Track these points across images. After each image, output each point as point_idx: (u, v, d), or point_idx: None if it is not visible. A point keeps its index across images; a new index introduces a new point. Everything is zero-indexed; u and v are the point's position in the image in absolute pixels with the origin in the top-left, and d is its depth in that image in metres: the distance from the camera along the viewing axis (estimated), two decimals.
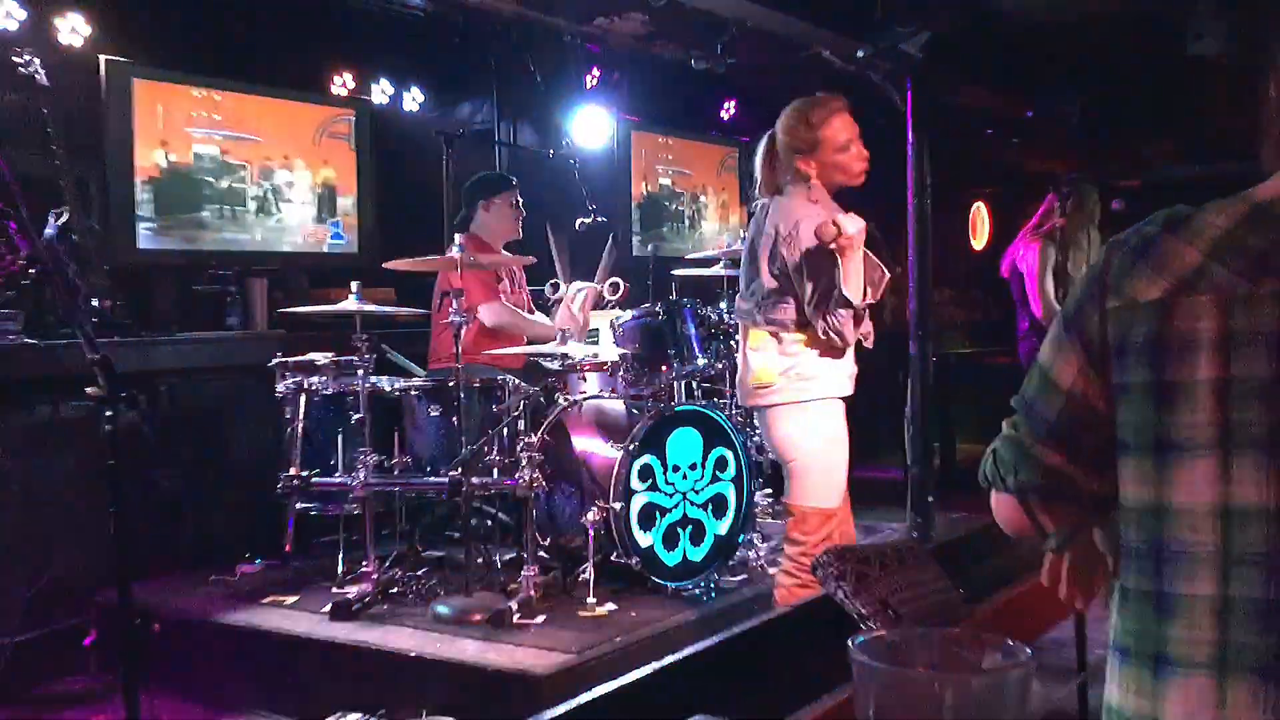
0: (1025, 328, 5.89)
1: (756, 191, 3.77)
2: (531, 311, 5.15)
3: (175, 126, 5.44)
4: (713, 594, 4.33)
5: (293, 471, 4.26)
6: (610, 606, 4.03)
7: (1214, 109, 6.52)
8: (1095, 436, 1.22)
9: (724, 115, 8.11)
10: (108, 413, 2.84)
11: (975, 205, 9.89)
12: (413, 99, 6.65)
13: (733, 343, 4.86)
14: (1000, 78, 6.50)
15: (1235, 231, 1.13)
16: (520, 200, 5.09)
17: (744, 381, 3.60)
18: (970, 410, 7.47)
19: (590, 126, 7.01)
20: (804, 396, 3.48)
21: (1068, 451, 1.26)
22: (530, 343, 4.94)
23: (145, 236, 5.34)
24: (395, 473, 4.27)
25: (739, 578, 4.52)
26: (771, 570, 4.57)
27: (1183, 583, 1.10)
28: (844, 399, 3.58)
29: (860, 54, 5.80)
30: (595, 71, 6.95)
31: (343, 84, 6.27)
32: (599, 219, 5.50)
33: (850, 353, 3.58)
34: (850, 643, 0.88)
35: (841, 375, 3.55)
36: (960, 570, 2.22)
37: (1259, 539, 1.06)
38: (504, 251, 5.00)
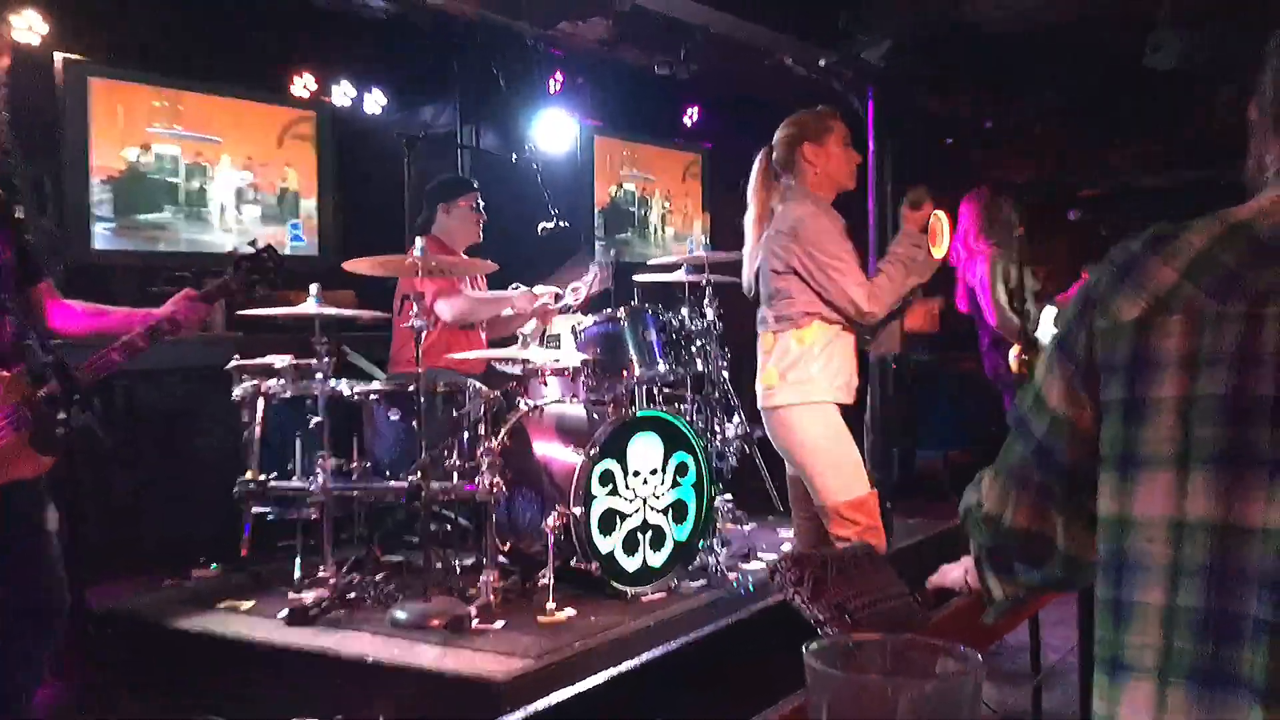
0: (987, 342, 5.93)
1: (750, 217, 3.83)
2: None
3: (135, 127, 5.39)
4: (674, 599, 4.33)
5: (250, 475, 4.22)
6: (570, 612, 4.02)
7: (1175, 119, 6.61)
8: (1077, 458, 1.25)
9: (688, 121, 8.14)
10: (61, 415, 2.80)
11: (936, 213, 9.96)
12: (375, 101, 6.62)
13: (701, 349, 4.88)
14: (961, 86, 6.57)
15: (1210, 251, 1.16)
16: (482, 204, 5.08)
17: (758, 385, 3.71)
18: (930, 416, 7.53)
19: (553, 131, 7.01)
20: (805, 398, 3.58)
21: (1044, 481, 1.31)
22: (493, 337, 4.92)
23: (102, 237, 5.28)
24: (354, 477, 4.25)
25: (699, 583, 4.52)
26: (731, 575, 4.59)
27: (1137, 591, 1.13)
28: (843, 407, 3.67)
29: (823, 62, 5.84)
30: (559, 76, 6.95)
31: (304, 85, 6.23)
32: (562, 224, 5.49)
33: (851, 362, 3.65)
34: (804, 649, 0.88)
35: (841, 381, 3.64)
36: (917, 576, 2.23)
37: (1203, 551, 1.09)
38: (464, 255, 4.99)
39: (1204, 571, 1.09)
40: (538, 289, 4.96)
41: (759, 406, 3.76)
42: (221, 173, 5.77)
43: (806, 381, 3.59)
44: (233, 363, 4.38)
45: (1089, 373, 1.22)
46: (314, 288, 4.26)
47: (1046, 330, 5.28)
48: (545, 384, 4.78)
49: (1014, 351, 6.08)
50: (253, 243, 3.63)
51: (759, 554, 4.95)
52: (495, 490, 4.01)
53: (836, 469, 3.60)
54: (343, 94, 6.44)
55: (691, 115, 8.11)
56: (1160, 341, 1.14)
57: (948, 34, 5.77)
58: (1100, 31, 5.95)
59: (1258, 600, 1.06)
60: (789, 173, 3.74)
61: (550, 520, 4.07)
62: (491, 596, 3.98)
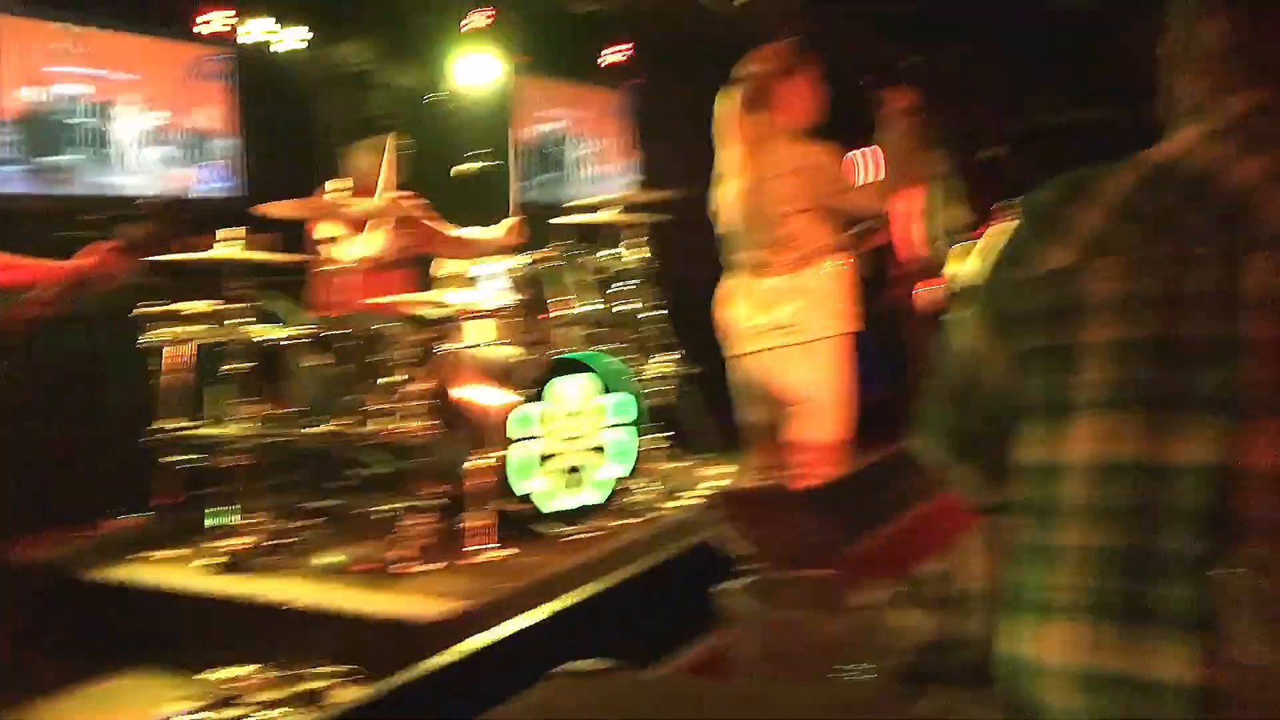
0: (894, 272, 5.98)
1: (730, 158, 3.80)
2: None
3: (37, 66, 5.18)
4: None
5: (163, 424, 4.13)
6: (497, 553, 4.01)
7: (1087, 58, 6.69)
8: (985, 404, 1.27)
9: (614, 60, 8.03)
10: None
11: (849, 155, 9.98)
12: (290, 38, 6.43)
13: (633, 288, 4.85)
14: (880, 26, 6.56)
15: (1136, 194, 1.16)
16: (398, 145, 4.95)
17: (745, 328, 3.72)
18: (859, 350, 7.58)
19: (473, 69, 6.87)
20: (838, 330, 3.70)
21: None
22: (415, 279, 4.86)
23: (7, 179, 5.09)
24: (274, 423, 4.18)
25: (624, 522, 4.53)
26: (657, 514, 4.61)
27: (1066, 534, 1.14)
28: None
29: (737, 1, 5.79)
30: (480, 12, 6.81)
31: (216, 22, 6.02)
32: (481, 166, 5.41)
33: (851, 291, 3.75)
34: (726, 586, 0.88)
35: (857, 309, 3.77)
36: (840, 508, 2.26)
37: (1130, 491, 1.10)
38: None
39: (1130, 511, 1.11)
40: (463, 231, 4.90)
41: (749, 350, 3.75)
42: (128, 113, 5.57)
43: (832, 313, 3.67)
44: (143, 308, 4.27)
45: (1004, 323, 1.23)
46: (220, 233, 4.15)
47: (954, 267, 5.33)
48: (471, 326, 4.73)
49: (920, 287, 6.14)
50: (158, 197, 3.55)
51: (686, 492, 4.98)
52: (420, 434, 3.98)
53: (848, 404, 3.66)
54: (256, 31, 6.24)
55: (618, 53, 8.01)
56: (1091, 285, 1.14)
57: None
58: None
59: (1184, 535, 1.07)
60: (764, 110, 3.70)
61: (477, 462, 4.05)
62: (418, 540, 3.96)
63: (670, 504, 4.80)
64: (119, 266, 3.31)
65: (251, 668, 3.35)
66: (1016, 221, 1.26)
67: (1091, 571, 1.11)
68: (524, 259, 4.61)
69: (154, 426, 4.14)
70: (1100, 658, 1.10)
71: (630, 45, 7.91)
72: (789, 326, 3.65)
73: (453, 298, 4.40)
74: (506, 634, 2.14)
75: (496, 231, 4.80)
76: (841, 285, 3.71)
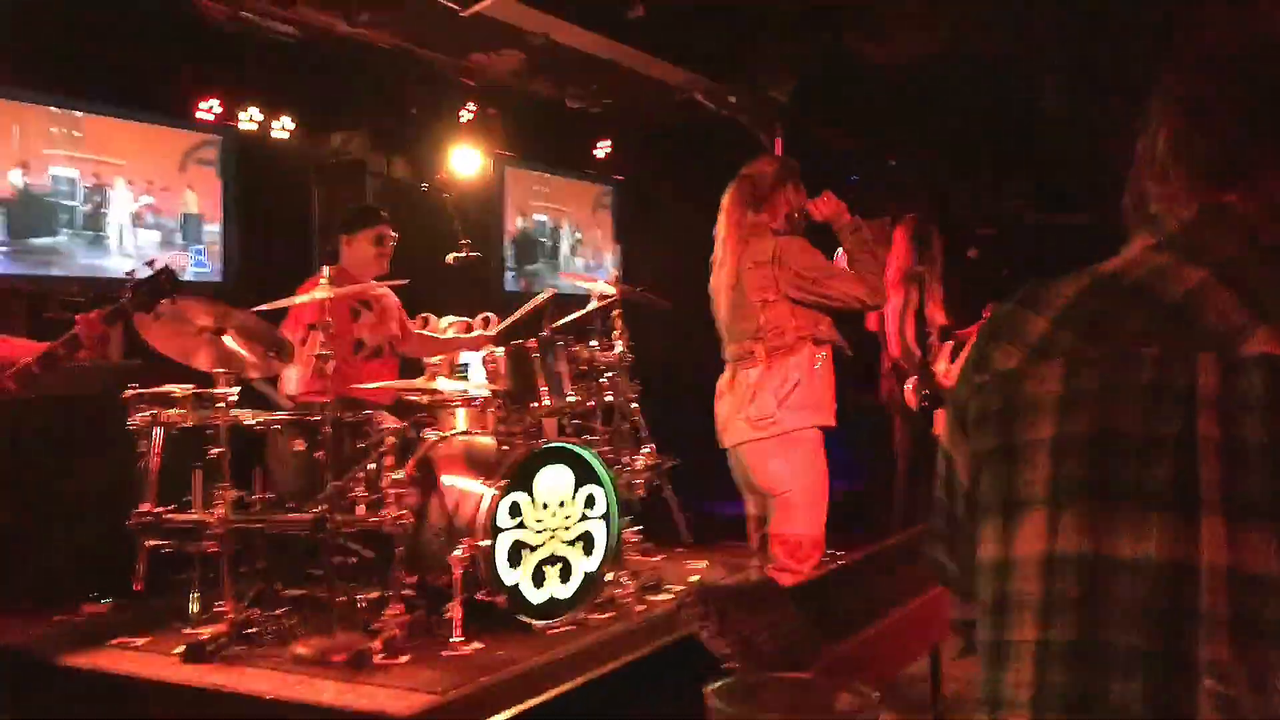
0: (887, 367, 6.04)
1: (722, 251, 3.84)
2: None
3: (31, 148, 5.24)
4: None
5: (146, 507, 4.11)
6: (476, 645, 3.99)
7: (1067, 161, 6.83)
8: (961, 507, 1.29)
9: (599, 154, 8.18)
10: None
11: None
12: (282, 127, 6.53)
13: (611, 380, 4.89)
14: (864, 125, 6.71)
15: (1079, 300, 1.20)
16: (388, 234, 4.99)
17: (732, 421, 3.73)
18: (832, 450, 7.60)
19: (465, 160, 6.99)
20: (807, 423, 3.68)
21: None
22: (398, 367, 4.88)
23: None
24: (256, 509, 4.16)
25: (607, 615, 4.51)
26: (639, 608, 4.60)
27: (1014, 630, 1.15)
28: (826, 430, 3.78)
29: (732, 99, 5.93)
30: (471, 106, 6.94)
31: (209, 110, 6.12)
32: (471, 254, 5.47)
33: (833, 385, 3.75)
34: (705, 688, 0.89)
35: (831, 404, 3.75)
36: (819, 609, 2.25)
37: (1074, 585, 1.11)
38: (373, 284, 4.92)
39: (1075, 605, 1.11)
40: (445, 320, 4.93)
41: (733, 443, 3.75)
42: (120, 196, 5.63)
43: (807, 406, 3.66)
44: (130, 391, 4.27)
45: (965, 425, 1.26)
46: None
47: (943, 365, 5.40)
48: (454, 414, 4.75)
49: (910, 384, 6.20)
50: (150, 263, 3.57)
51: (667, 586, 4.96)
52: (401, 522, 3.97)
53: (818, 502, 3.66)
54: (249, 119, 6.34)
55: (604, 148, 8.16)
56: (1038, 387, 1.17)
57: (852, 72, 5.90)
58: (997, 73, 6.14)
59: (1134, 630, 1.08)
60: (763, 210, 3.78)
61: (457, 552, 4.03)
62: (396, 630, 3.93)
63: (651, 597, 4.79)
64: (93, 333, 3.31)
65: None
66: (981, 330, 1.31)
67: (1039, 667, 1.12)
68: (510, 348, 4.64)
69: (136, 510, 4.10)
70: None
71: (614, 140, 8.06)
72: (766, 419, 3.67)
73: (440, 385, 4.42)
74: None
75: (459, 339, 4.85)
76: (818, 379, 3.72)
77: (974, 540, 1.28)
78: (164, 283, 3.55)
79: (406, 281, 4.59)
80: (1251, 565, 1.06)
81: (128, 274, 3.59)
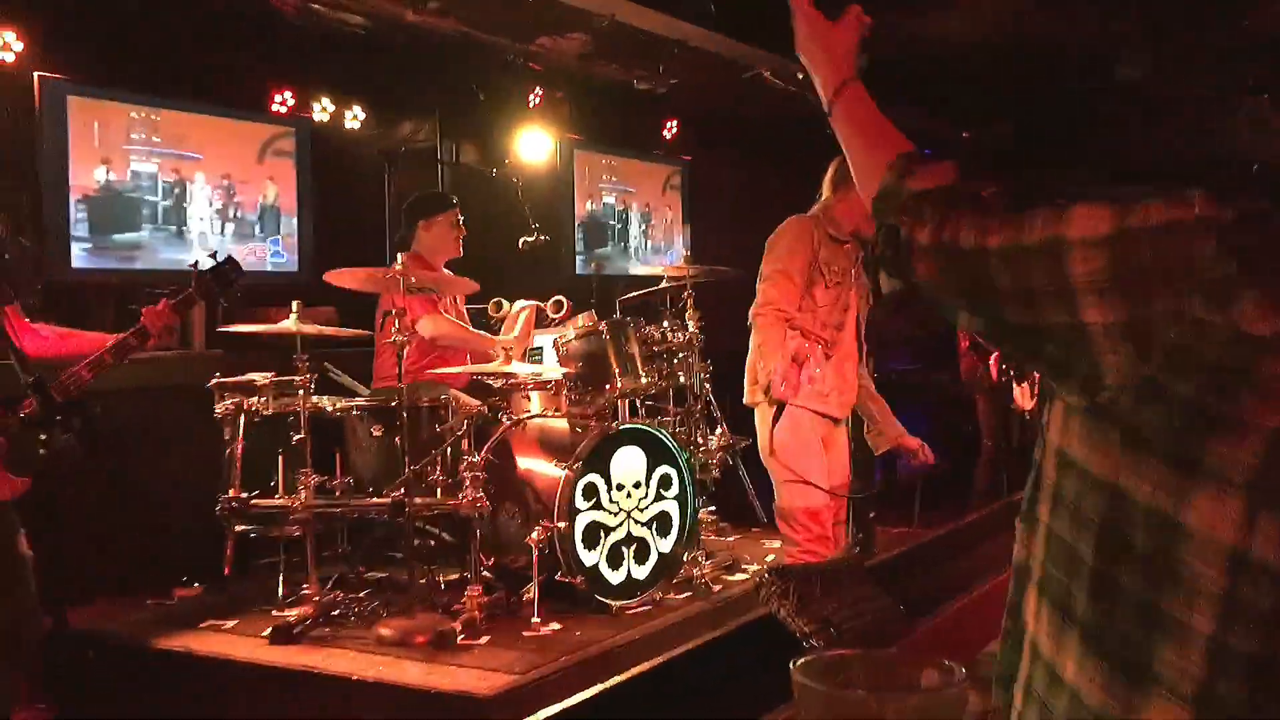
0: (965, 345, 5.97)
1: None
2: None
3: (112, 144, 5.37)
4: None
5: (232, 493, 4.21)
6: (555, 626, 4.02)
7: (1142, 135, 6.67)
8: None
9: (667, 134, 8.17)
10: (42, 436, 2.80)
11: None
12: (354, 117, 6.62)
13: (682, 361, 4.91)
14: (934, 101, 6.61)
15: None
16: (461, 219, 5.06)
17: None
18: (911, 427, 7.54)
19: (533, 145, 7.02)
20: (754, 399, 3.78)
21: None
22: (472, 355, 4.92)
23: (80, 256, 5.26)
24: (337, 493, 4.24)
25: (684, 595, 4.53)
26: (716, 587, 4.61)
27: (1180, 607, 1.07)
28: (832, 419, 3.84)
29: (800, 75, 5.87)
30: (538, 90, 6.97)
31: (283, 102, 6.22)
32: (542, 238, 5.50)
33: (835, 373, 3.73)
34: (791, 664, 0.89)
35: (820, 389, 3.77)
36: (901, 587, 2.25)
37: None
38: (445, 270, 4.98)
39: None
40: (517, 305, 4.96)
41: (744, 402, 3.90)
42: (199, 190, 5.75)
43: (768, 381, 3.72)
44: (214, 381, 4.37)
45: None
46: (294, 305, 4.25)
47: None
48: (528, 398, 4.78)
49: (994, 357, 6.12)
50: (213, 254, 3.67)
51: (743, 565, 4.96)
52: (479, 505, 4.01)
53: (802, 477, 3.66)
54: (322, 110, 6.44)
55: (671, 128, 8.14)
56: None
57: (921, 50, 5.81)
58: (1069, 47, 6.01)
59: (1089, 551, 1.08)
60: (833, 191, 3.84)
61: (534, 534, 4.07)
62: (476, 612, 3.97)
63: (728, 577, 4.80)
64: (160, 324, 3.43)
65: None
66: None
67: (1214, 665, 1.04)
68: (582, 331, 4.66)
69: (223, 496, 4.21)
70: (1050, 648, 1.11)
71: (681, 121, 8.04)
72: (750, 385, 3.83)
73: (515, 369, 4.46)
74: (569, 708, 2.15)
75: (507, 336, 4.88)
76: (807, 364, 3.76)
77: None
78: (227, 273, 3.66)
79: (477, 288, 4.66)
80: None
81: (192, 265, 3.70)
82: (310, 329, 4.27)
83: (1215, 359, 1.02)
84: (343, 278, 4.32)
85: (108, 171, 5.35)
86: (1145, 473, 1.06)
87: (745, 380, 3.87)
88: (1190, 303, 1.02)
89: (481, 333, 4.97)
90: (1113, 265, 1.06)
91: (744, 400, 3.92)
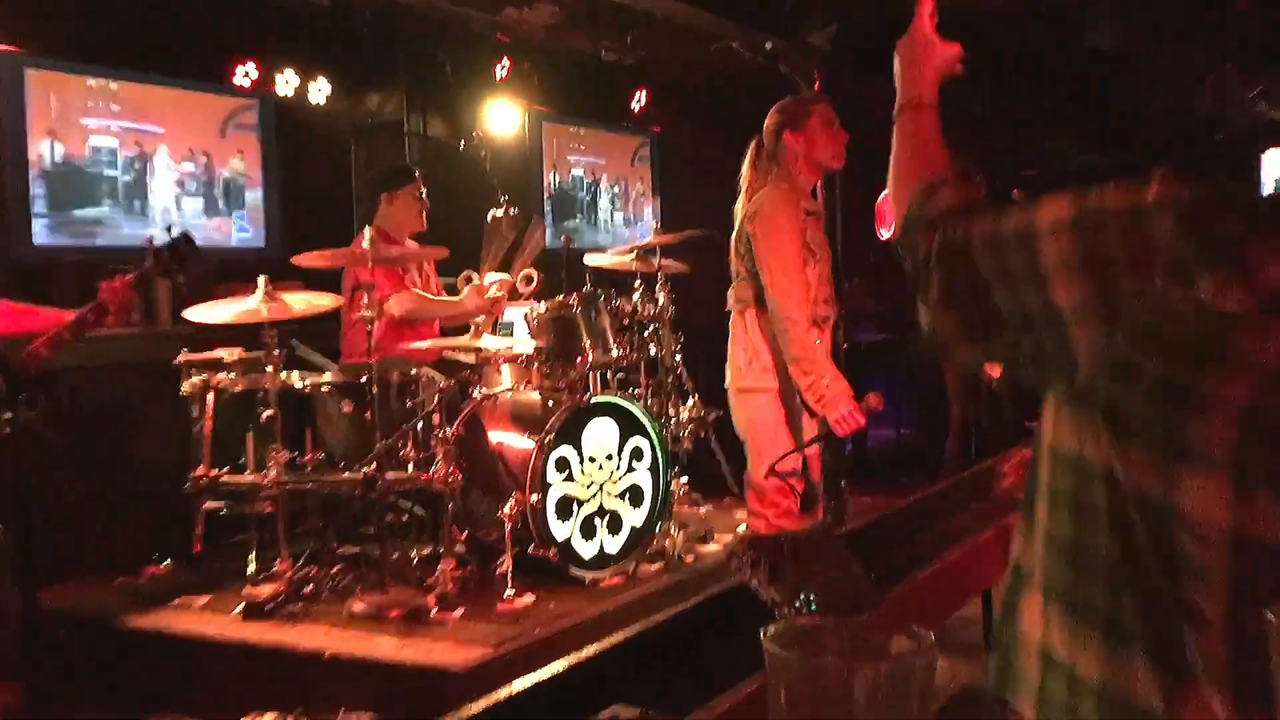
0: None
1: (741, 197, 3.88)
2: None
3: (71, 118, 5.29)
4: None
5: (201, 471, 4.18)
6: (528, 599, 4.03)
7: (1109, 101, 6.70)
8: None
9: (635, 106, 8.13)
10: (6, 414, 2.77)
11: (882, 195, 10.05)
12: (319, 90, 6.54)
13: (654, 333, 4.91)
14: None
15: (1143, 208, 1.13)
16: (425, 192, 5.02)
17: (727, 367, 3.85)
18: (881, 396, 7.59)
19: (501, 117, 6.98)
20: (763, 385, 3.73)
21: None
22: (444, 325, 4.90)
23: (41, 232, 5.19)
24: (308, 470, 4.22)
25: (656, 566, 4.55)
26: (689, 558, 4.63)
27: (1192, 592, 1.10)
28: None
29: (769, 46, 5.86)
30: (506, 62, 6.92)
31: (246, 74, 6.14)
32: (510, 210, 5.47)
33: (825, 350, 3.73)
34: (762, 633, 0.90)
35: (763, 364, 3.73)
36: (872, 555, 2.26)
37: (1070, 481, 1.14)
38: (410, 243, 4.94)
39: (1065, 499, 1.15)
40: (488, 279, 4.94)
41: (725, 386, 3.86)
42: (161, 164, 5.68)
43: (769, 370, 3.71)
44: (181, 357, 4.33)
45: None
46: (260, 280, 4.22)
47: None
48: (499, 372, 4.77)
49: None
50: (168, 229, 3.64)
51: (716, 536, 4.98)
52: (451, 479, 4.00)
53: (770, 451, 3.65)
54: (286, 83, 6.36)
55: (639, 100, 8.10)
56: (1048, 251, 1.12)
57: (891, 18, 5.80)
58: (1038, 14, 6.02)
59: (1104, 541, 1.11)
60: (775, 161, 3.79)
61: (506, 508, 4.07)
62: (449, 586, 3.98)
63: (700, 547, 4.82)
64: (117, 300, 3.41)
65: (284, 715, 3.37)
66: None
67: (1236, 650, 1.04)
68: (553, 304, 4.65)
69: (191, 474, 4.18)
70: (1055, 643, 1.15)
71: (650, 92, 8.01)
72: (734, 370, 3.81)
73: (485, 343, 4.44)
74: (541, 681, 2.15)
75: (469, 300, 4.83)
76: (759, 341, 3.73)
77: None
78: (183, 248, 3.63)
79: (446, 254, 4.61)
80: None
81: (147, 240, 3.67)
82: (279, 304, 4.23)
83: (1184, 336, 1.04)
84: (312, 260, 4.29)
85: (67, 146, 5.27)
86: (1133, 458, 1.08)
87: (728, 366, 3.83)
88: (1154, 282, 1.04)
89: (448, 298, 4.94)
90: (1078, 248, 1.10)
91: (726, 384, 3.86)
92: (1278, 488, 1.00)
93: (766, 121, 3.83)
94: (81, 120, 5.33)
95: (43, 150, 5.18)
